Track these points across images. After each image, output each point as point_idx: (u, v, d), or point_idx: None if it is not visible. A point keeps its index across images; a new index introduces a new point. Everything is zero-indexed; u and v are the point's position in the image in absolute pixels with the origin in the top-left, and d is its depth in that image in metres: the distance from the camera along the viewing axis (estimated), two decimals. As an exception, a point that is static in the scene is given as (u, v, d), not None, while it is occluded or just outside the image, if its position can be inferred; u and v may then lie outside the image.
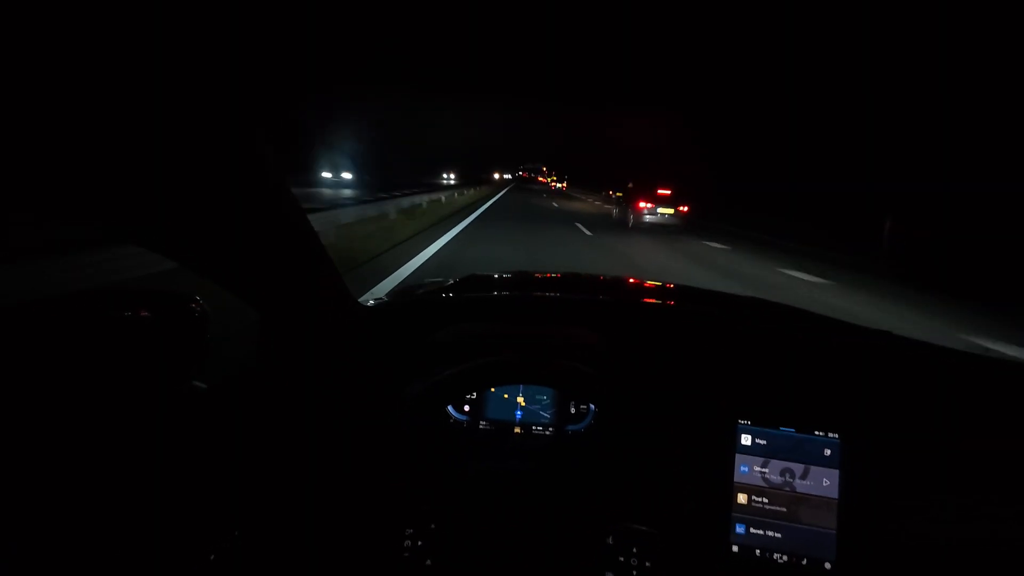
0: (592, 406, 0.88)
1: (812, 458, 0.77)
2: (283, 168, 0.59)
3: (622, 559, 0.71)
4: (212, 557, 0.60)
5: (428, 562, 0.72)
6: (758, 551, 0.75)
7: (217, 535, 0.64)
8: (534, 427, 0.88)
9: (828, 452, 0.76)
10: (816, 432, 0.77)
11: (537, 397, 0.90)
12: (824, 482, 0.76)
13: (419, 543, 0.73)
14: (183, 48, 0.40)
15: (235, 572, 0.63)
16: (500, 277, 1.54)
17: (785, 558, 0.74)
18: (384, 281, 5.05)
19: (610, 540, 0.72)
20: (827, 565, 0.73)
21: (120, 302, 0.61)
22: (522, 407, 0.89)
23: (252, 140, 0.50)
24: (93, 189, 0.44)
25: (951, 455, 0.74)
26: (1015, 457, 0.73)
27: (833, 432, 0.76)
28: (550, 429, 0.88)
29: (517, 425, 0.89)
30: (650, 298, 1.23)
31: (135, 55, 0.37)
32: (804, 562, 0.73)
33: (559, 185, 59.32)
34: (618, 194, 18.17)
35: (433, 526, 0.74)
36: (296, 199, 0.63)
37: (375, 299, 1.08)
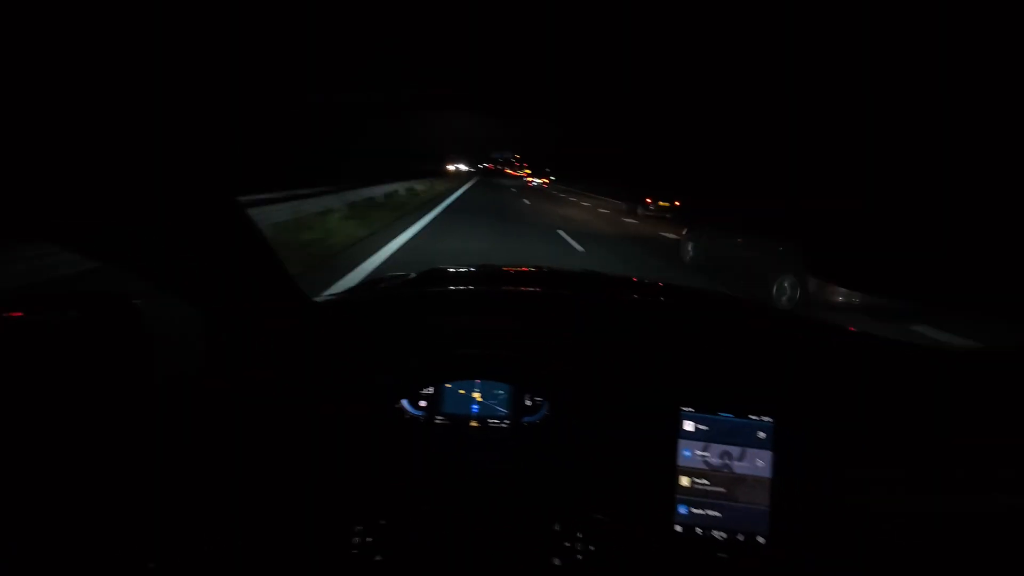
0: (546, 399, 0.90)
1: (748, 441, 0.82)
2: (213, 163, 0.57)
3: (568, 544, 0.74)
4: (152, 566, 0.59)
5: (378, 558, 0.72)
6: (699, 530, 0.80)
7: (156, 540, 0.63)
8: (490, 420, 0.90)
9: (762, 435, 0.82)
10: (752, 416, 0.82)
11: (494, 392, 0.91)
12: (759, 463, 0.81)
13: (368, 539, 0.73)
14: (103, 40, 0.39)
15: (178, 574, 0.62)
16: (460, 271, 1.54)
17: (724, 535, 0.79)
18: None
19: (557, 527, 0.75)
20: (760, 539, 0.78)
21: (46, 305, 0.58)
22: (479, 402, 0.91)
23: (184, 133, 0.48)
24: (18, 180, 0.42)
25: (872, 434, 0.81)
26: (928, 434, 0.81)
27: (768, 416, 0.82)
28: (506, 422, 0.90)
29: (474, 419, 0.90)
30: (604, 291, 1.27)
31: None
32: (740, 538, 0.79)
33: (538, 181, 39.36)
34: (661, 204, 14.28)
35: (383, 521, 0.74)
36: (234, 195, 0.62)
37: (331, 295, 1.06)
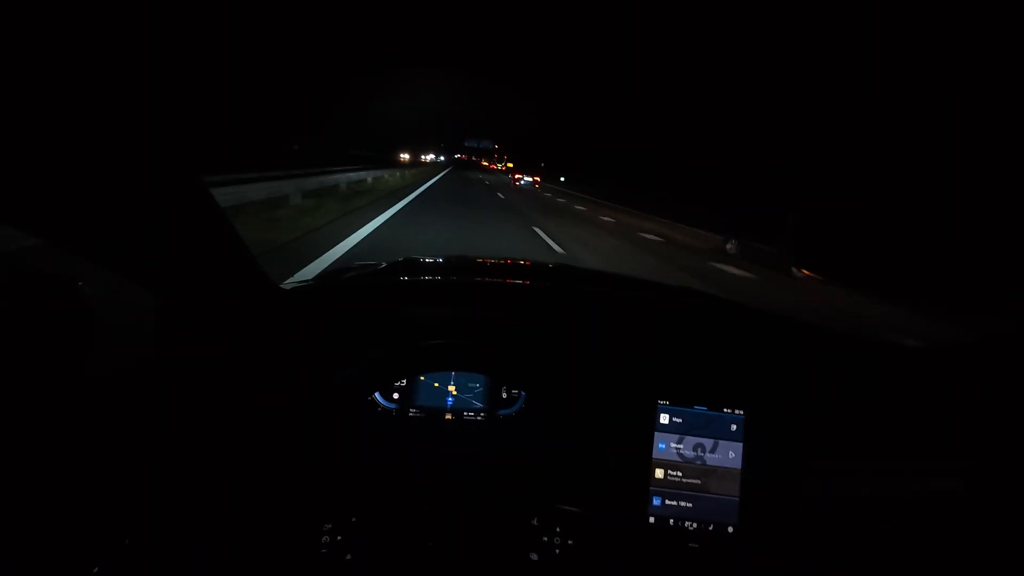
0: (523, 392, 0.89)
1: (721, 433, 0.83)
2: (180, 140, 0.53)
3: (546, 538, 0.74)
4: (96, 570, 0.54)
5: (348, 557, 0.70)
6: (672, 520, 0.81)
7: (108, 539, 0.58)
8: (466, 413, 0.88)
9: (734, 427, 0.83)
10: (725, 410, 0.84)
11: (469, 385, 0.89)
12: (730, 455, 0.83)
13: (338, 537, 0.70)
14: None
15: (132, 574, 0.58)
16: (434, 261, 1.51)
17: (695, 525, 0.80)
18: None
19: (535, 521, 0.74)
20: (730, 529, 0.80)
21: None
22: (454, 395, 0.89)
23: (140, 108, 0.44)
24: None
25: (837, 425, 0.84)
26: (889, 423, 0.84)
27: (739, 409, 0.83)
28: (481, 415, 0.88)
29: (448, 412, 0.88)
30: (580, 284, 1.27)
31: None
32: (711, 528, 0.80)
33: (528, 180, 30.23)
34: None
35: (354, 519, 0.71)
36: (198, 174, 0.57)
37: (298, 282, 1.01)
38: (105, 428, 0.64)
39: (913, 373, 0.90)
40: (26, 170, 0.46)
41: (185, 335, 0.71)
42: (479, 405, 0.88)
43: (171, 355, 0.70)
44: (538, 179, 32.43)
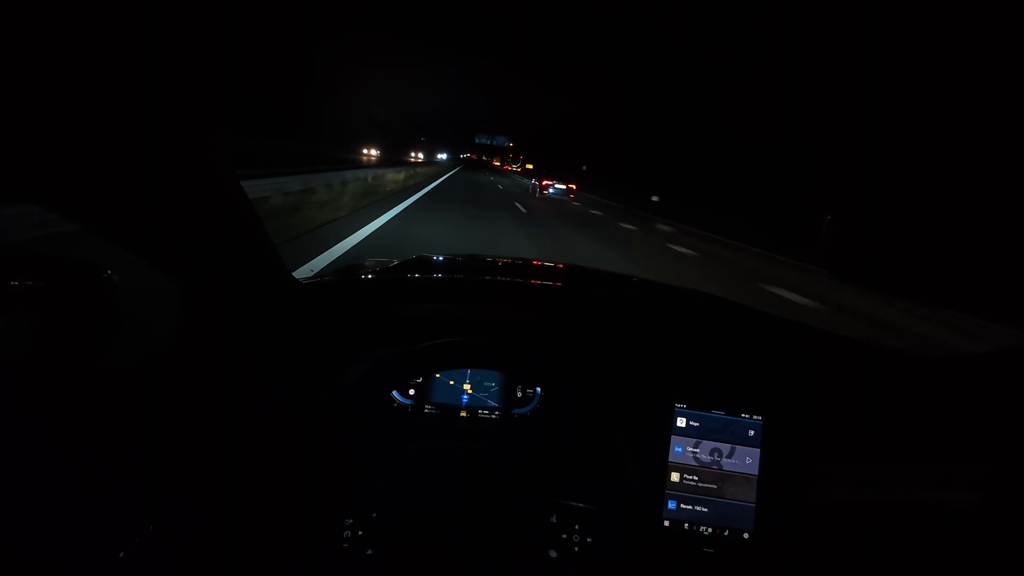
0: (538, 389, 0.89)
1: (738, 438, 0.83)
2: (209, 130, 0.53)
3: (564, 536, 0.73)
4: (122, 555, 0.55)
5: (369, 552, 0.70)
6: (687, 525, 0.80)
7: (129, 528, 0.58)
8: (480, 411, 0.88)
9: (752, 433, 0.82)
10: (743, 415, 0.83)
11: (485, 384, 0.89)
12: (747, 460, 0.82)
13: (360, 532, 0.70)
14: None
15: (150, 567, 0.58)
16: (448, 259, 1.51)
17: (710, 530, 0.80)
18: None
19: (554, 519, 0.74)
20: (745, 535, 0.79)
21: (8, 270, 0.52)
22: (469, 393, 0.89)
23: (176, 97, 0.44)
24: None
25: (856, 433, 0.83)
26: (908, 431, 0.83)
27: (758, 415, 0.83)
28: (496, 412, 0.88)
29: (463, 409, 0.88)
30: (597, 285, 1.26)
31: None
32: (726, 533, 0.80)
33: (558, 187, 21.80)
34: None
35: (374, 514, 0.72)
36: (228, 162, 0.58)
37: (313, 277, 1.02)
38: (128, 415, 0.64)
39: (934, 381, 0.89)
40: (62, 160, 0.46)
41: (207, 324, 0.71)
42: (494, 403, 0.88)
43: (192, 344, 0.70)
44: (573, 186, 23.67)
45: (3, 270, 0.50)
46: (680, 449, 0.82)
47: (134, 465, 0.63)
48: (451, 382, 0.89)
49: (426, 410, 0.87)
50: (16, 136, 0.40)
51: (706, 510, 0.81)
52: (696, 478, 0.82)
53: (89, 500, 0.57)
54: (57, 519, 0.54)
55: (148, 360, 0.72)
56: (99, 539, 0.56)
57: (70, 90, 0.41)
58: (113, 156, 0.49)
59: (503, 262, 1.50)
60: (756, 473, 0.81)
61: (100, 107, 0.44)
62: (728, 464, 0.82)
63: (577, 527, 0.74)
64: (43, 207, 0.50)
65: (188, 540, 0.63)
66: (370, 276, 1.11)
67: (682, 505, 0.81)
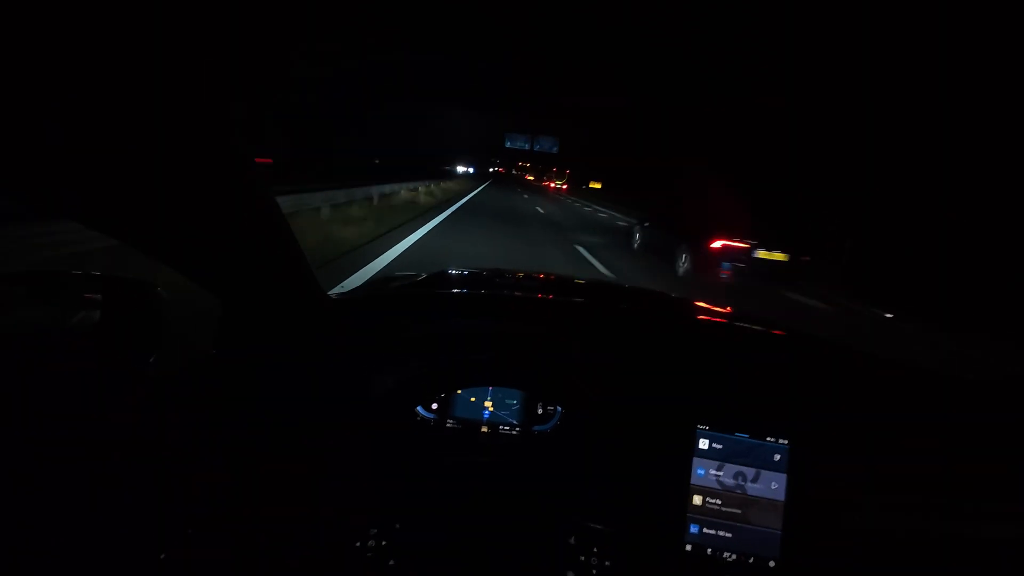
0: (559, 408, 0.89)
1: (763, 462, 0.81)
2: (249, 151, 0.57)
3: (583, 558, 0.73)
4: (163, 556, 0.58)
5: (391, 562, 0.71)
6: (709, 550, 0.78)
7: (169, 532, 0.62)
8: (501, 427, 0.89)
9: (778, 457, 0.80)
10: (768, 439, 0.81)
11: (506, 401, 0.90)
12: (773, 485, 0.80)
13: (383, 543, 0.72)
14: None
15: (188, 572, 0.61)
16: (472, 275, 1.54)
17: (734, 557, 0.78)
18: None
19: (572, 540, 0.74)
20: (771, 563, 0.77)
21: (71, 284, 0.58)
22: (490, 410, 0.90)
23: (220, 121, 0.48)
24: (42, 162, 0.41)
25: (886, 459, 0.80)
26: (939, 458, 0.80)
27: (783, 439, 0.81)
28: (517, 429, 0.89)
29: (484, 424, 0.89)
30: (621, 303, 1.26)
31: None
32: (751, 560, 0.77)
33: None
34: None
35: (398, 525, 0.73)
36: (263, 181, 0.61)
37: (344, 292, 1.06)
38: (169, 422, 0.68)
39: (970, 407, 0.85)
40: (112, 180, 0.50)
41: (244, 337, 0.76)
42: (514, 420, 0.89)
43: (233, 356, 0.74)
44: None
45: (78, 285, 0.55)
46: (703, 471, 0.81)
47: (166, 471, 0.67)
48: (473, 398, 0.90)
49: (448, 425, 0.88)
50: (60, 156, 0.44)
51: (730, 535, 0.79)
52: (719, 502, 0.80)
53: (127, 502, 0.61)
54: (95, 522, 0.57)
55: (188, 370, 0.76)
56: (136, 542, 0.59)
57: (111, 105, 0.44)
58: (158, 179, 0.53)
59: (527, 277, 1.51)
60: (782, 499, 0.79)
61: (141, 126, 0.48)
62: (753, 489, 0.80)
63: (595, 549, 0.74)
64: (89, 227, 0.54)
65: (218, 546, 0.66)
66: (398, 292, 1.14)
67: (705, 530, 0.79)
